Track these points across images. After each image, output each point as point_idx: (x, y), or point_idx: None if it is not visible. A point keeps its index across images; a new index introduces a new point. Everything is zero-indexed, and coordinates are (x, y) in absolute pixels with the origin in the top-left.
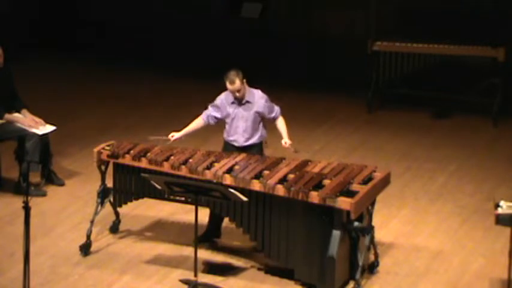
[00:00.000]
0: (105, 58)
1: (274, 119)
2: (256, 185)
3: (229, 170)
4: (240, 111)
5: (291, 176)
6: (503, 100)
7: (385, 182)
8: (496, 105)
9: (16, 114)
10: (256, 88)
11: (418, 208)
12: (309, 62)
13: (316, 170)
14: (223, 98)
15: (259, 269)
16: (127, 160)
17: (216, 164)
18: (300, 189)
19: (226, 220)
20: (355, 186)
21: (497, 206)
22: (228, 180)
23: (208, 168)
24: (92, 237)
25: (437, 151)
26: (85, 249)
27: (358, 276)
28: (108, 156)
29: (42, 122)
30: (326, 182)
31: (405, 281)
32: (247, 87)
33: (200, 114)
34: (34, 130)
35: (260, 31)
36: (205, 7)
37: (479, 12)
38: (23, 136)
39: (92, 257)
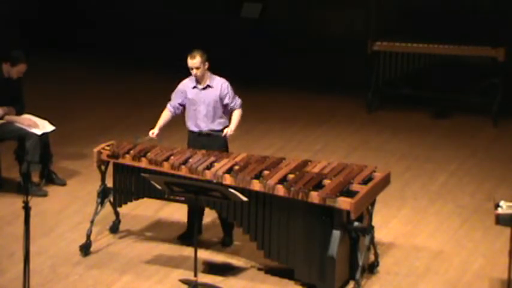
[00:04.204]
0: (105, 58)
1: (233, 109)
2: (256, 185)
3: (229, 170)
4: (202, 95)
5: (291, 176)
6: (503, 100)
7: (385, 182)
8: (496, 105)
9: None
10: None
11: (418, 208)
12: (309, 62)
13: (316, 170)
14: (185, 83)
15: (259, 269)
16: (127, 160)
17: (216, 164)
18: (300, 189)
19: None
20: (355, 186)
21: (497, 206)
22: (228, 180)
23: (208, 168)
24: (92, 237)
25: (437, 151)
26: (85, 249)
27: (358, 276)
28: (108, 156)
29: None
30: (326, 182)
31: (405, 281)
32: (209, 74)
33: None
34: (33, 130)
35: (260, 31)
36: (205, 7)
37: (479, 12)
38: (23, 136)
39: (92, 257)
